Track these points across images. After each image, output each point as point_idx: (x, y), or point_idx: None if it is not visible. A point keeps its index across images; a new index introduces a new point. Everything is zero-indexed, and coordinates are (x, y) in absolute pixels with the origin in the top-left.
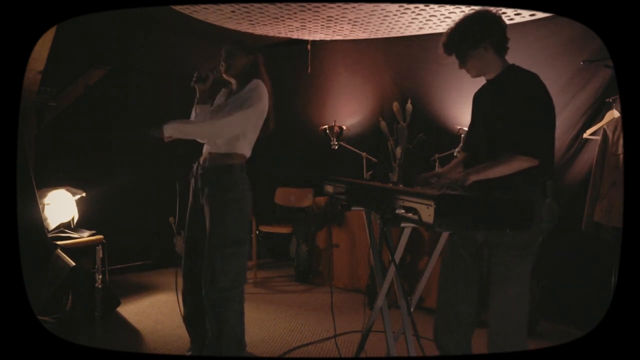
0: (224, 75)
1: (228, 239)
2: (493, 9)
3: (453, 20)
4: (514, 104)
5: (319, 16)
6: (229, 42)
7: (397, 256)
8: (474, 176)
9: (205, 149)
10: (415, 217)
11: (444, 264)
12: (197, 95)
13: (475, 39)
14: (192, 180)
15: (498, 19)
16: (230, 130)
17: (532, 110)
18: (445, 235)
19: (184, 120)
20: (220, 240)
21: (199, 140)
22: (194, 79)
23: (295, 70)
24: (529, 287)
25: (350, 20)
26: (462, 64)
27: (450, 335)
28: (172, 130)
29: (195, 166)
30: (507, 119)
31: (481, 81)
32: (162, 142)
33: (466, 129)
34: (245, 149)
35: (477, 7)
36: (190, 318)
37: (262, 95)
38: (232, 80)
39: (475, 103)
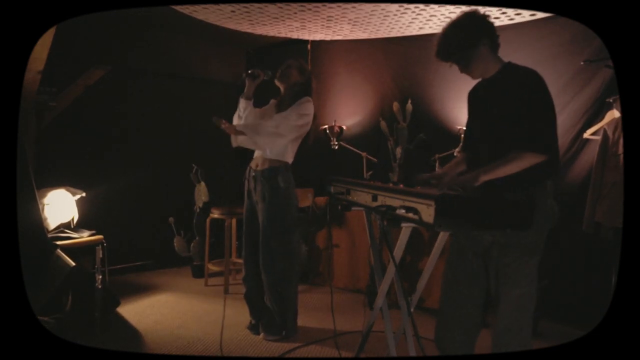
0: (276, 81)
1: (283, 227)
2: (482, 9)
3: None
4: (516, 101)
5: (318, 16)
6: (292, 58)
7: (397, 256)
8: (484, 176)
9: (257, 155)
10: (416, 217)
11: (449, 266)
12: (245, 89)
13: (472, 38)
14: (246, 182)
15: (487, 16)
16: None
17: (535, 106)
18: (444, 235)
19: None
20: (276, 229)
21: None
22: (248, 73)
23: None
24: (536, 286)
25: (350, 20)
26: (464, 68)
27: (455, 336)
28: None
29: (247, 171)
30: (510, 116)
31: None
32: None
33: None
34: (289, 157)
35: (477, 8)
36: (250, 296)
37: (311, 113)
38: (282, 88)
39: (472, 101)
